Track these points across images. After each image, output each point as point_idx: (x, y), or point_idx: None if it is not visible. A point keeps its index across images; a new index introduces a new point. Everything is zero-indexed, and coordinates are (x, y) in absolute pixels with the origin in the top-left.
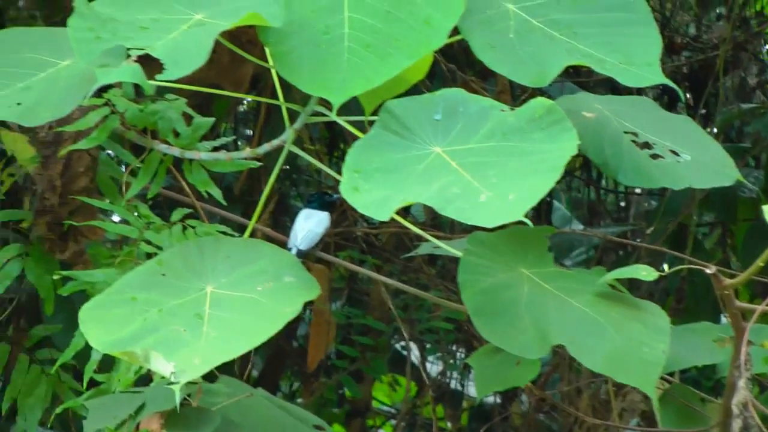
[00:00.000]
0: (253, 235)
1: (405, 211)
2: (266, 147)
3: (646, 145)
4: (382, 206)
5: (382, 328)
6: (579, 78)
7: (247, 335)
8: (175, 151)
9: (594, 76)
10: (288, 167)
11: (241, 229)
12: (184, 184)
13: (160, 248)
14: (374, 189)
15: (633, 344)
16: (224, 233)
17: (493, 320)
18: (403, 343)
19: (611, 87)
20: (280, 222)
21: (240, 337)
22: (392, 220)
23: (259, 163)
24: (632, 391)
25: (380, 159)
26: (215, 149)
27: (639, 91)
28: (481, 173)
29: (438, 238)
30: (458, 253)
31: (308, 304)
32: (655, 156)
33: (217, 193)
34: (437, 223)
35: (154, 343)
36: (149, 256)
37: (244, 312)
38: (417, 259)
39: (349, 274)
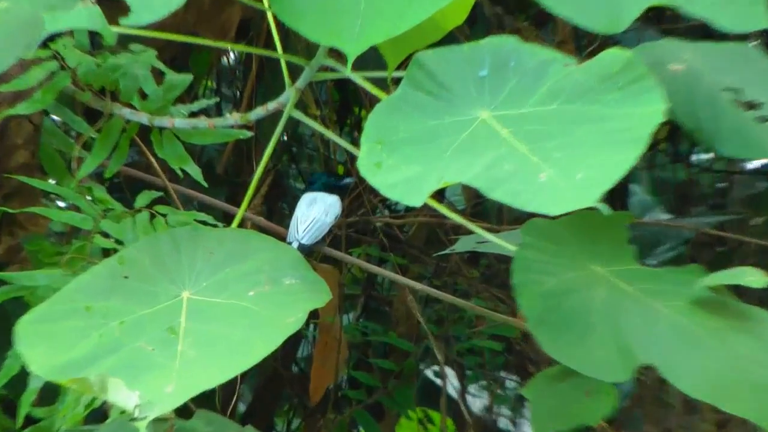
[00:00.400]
0: (242, 226)
1: (439, 195)
2: (259, 112)
3: (751, 106)
4: (412, 188)
5: (408, 347)
6: (661, 24)
7: (233, 355)
8: (142, 118)
9: (681, 21)
10: (287, 138)
11: (226, 218)
12: (152, 160)
13: (121, 243)
14: (402, 165)
15: (743, 363)
16: (204, 223)
17: (560, 332)
18: (436, 367)
19: (703, 35)
20: (276, 210)
21: (225, 357)
22: (423, 206)
23: (249, 133)
24: (741, 424)
25: (409, 126)
26: (193, 115)
27: (739, 39)
28: (540, 145)
29: (483, 229)
30: (510, 248)
31: (312, 317)
32: (763, 119)
33: (195, 172)
34: (480, 211)
35: (113, 367)
36: (107, 253)
37: (230, 324)
38: (454, 257)
39: (366, 276)
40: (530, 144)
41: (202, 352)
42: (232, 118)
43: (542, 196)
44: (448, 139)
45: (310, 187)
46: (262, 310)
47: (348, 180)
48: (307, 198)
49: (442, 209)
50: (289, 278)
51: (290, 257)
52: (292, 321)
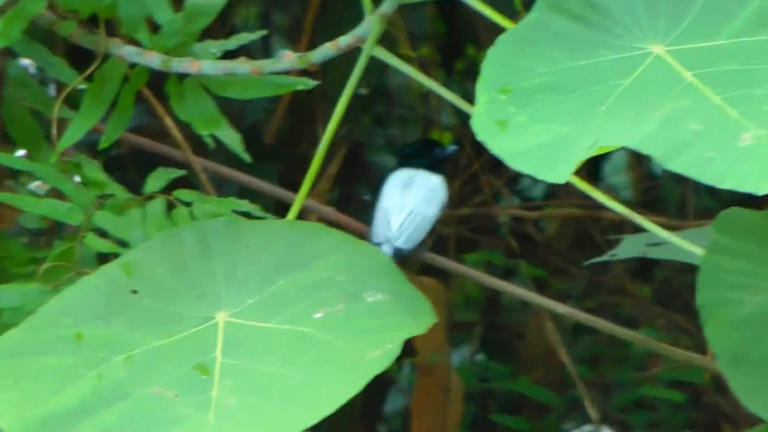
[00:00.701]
0: (302, 218)
1: (591, 175)
2: (326, 51)
3: None
4: (553, 156)
5: (547, 399)
6: None
7: (291, 406)
8: (153, 60)
9: None
10: (367, 91)
11: (279, 208)
12: (169, 123)
13: (125, 244)
14: (537, 123)
15: None
16: (247, 215)
17: (765, 376)
18: (588, 427)
19: None
20: (353, 196)
21: (278, 410)
22: (569, 192)
23: (312, 83)
24: None
25: (548, 67)
26: (228, 55)
27: None
28: (741, 93)
29: (657, 225)
30: (697, 253)
31: (406, 354)
32: None
33: (232, 140)
34: (654, 200)
35: (117, 422)
36: (104, 259)
37: (287, 361)
38: (616, 268)
39: (486, 295)
40: (727, 92)
41: (246, 400)
42: (287, 60)
43: (744, 166)
44: (605, 86)
45: (403, 162)
46: (335, 341)
47: (452, 148)
48: (398, 179)
49: (598, 195)
50: (374, 293)
51: (376, 263)
52: (378, 356)
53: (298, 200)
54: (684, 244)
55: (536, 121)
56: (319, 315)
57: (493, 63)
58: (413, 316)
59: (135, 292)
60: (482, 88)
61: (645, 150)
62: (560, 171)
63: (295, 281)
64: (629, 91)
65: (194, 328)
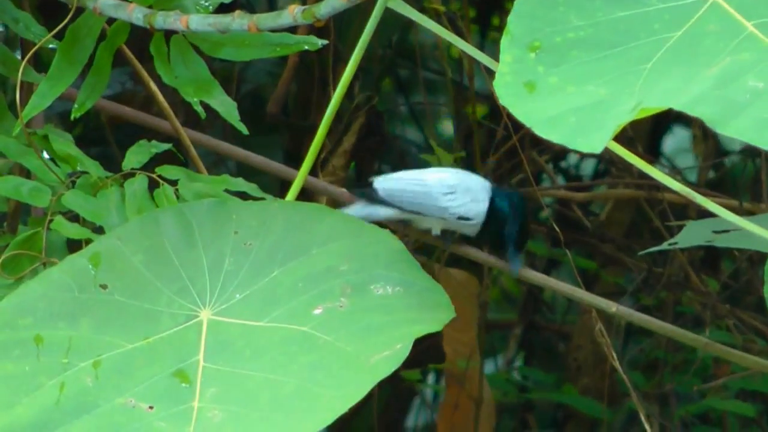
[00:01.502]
0: (307, 198)
1: (649, 149)
2: (335, 2)
3: None
4: (588, 121)
5: (598, 412)
6: None
7: (284, 418)
8: (134, 14)
9: None
10: (388, 51)
11: (284, 189)
12: (154, 88)
13: (101, 230)
14: (571, 84)
15: None
16: (244, 196)
17: None
18: None
19: None
20: (371, 174)
21: (270, 421)
22: (625, 170)
23: (320, 42)
24: None
25: (585, 19)
26: (223, 9)
27: None
28: None
29: (728, 208)
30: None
31: (431, 358)
32: None
33: (227, 109)
34: (722, 180)
35: None
36: (76, 247)
37: (281, 365)
38: (677, 258)
39: (526, 291)
40: None
41: (231, 412)
42: (289, 14)
43: None
44: (651, 40)
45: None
46: (336, 341)
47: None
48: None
49: (656, 173)
50: (383, 285)
51: (385, 250)
52: (385, 357)
53: (299, 178)
54: (757, 230)
55: (570, 82)
56: (318, 311)
57: (521, 15)
58: (427, 310)
59: (104, 287)
60: (507, 44)
61: (694, 112)
62: (596, 138)
63: (291, 272)
64: (680, 45)
65: (174, 329)
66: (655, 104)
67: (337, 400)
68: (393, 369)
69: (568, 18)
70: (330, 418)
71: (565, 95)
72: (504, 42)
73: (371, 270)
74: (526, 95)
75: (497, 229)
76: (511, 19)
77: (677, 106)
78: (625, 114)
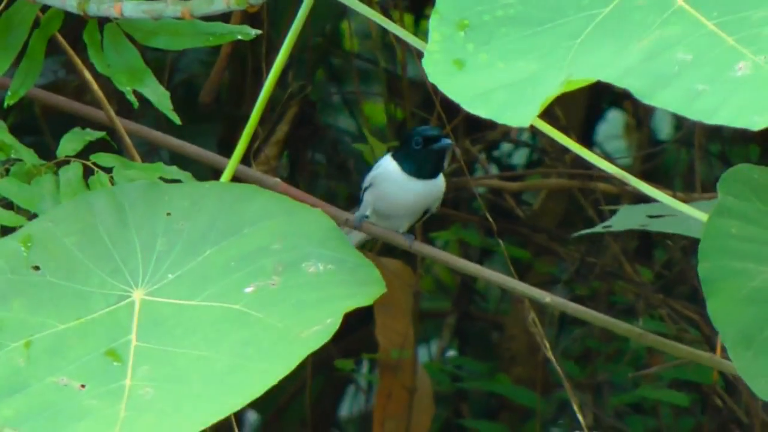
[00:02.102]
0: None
1: (583, 138)
2: None
3: None
4: (517, 96)
5: (531, 401)
6: None
7: (215, 394)
8: (68, 1)
9: None
10: (321, 39)
11: (217, 178)
12: (88, 77)
13: (35, 218)
14: (501, 61)
15: None
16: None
17: None
18: None
19: None
20: (304, 163)
21: (200, 398)
22: (559, 157)
23: (253, 31)
24: None
25: None
26: None
27: None
28: (739, 17)
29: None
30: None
31: (366, 348)
32: None
33: (158, 97)
34: (656, 169)
35: (15, 416)
36: (9, 232)
37: (212, 343)
38: (611, 246)
39: (460, 281)
40: (722, 16)
41: (163, 389)
42: (222, 0)
43: (739, 98)
44: (581, 15)
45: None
46: (267, 317)
47: (445, 142)
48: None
49: (594, 158)
50: (315, 263)
51: (317, 228)
52: (316, 332)
53: (232, 163)
54: (691, 213)
55: (499, 59)
56: (250, 289)
57: None
58: (359, 286)
59: (37, 268)
60: (436, 23)
61: (621, 84)
62: (524, 112)
63: (223, 251)
64: (609, 20)
65: (106, 309)
66: (583, 76)
67: (267, 374)
68: (323, 342)
69: None
70: (259, 390)
71: (495, 72)
72: (433, 21)
73: (303, 248)
74: (455, 72)
75: None
76: None
77: (605, 78)
78: (553, 88)
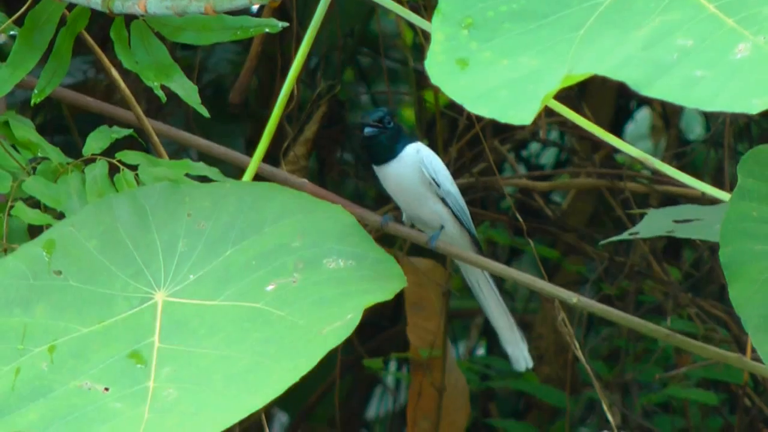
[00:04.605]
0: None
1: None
2: None
3: None
4: (519, 93)
5: (560, 401)
6: None
7: (237, 393)
8: None
9: None
10: (351, 38)
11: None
12: (116, 76)
13: (62, 216)
14: (504, 58)
15: None
16: (203, 180)
17: None
18: None
19: None
20: (332, 162)
21: (223, 397)
22: (587, 157)
23: (280, 24)
24: None
25: None
26: None
27: None
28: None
29: (690, 198)
30: None
31: (397, 346)
32: None
33: (188, 93)
34: (685, 168)
35: (39, 420)
36: (36, 232)
37: (234, 342)
38: (639, 247)
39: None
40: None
41: (186, 390)
42: None
43: (737, 82)
44: (584, 6)
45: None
46: (288, 315)
47: (366, 131)
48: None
49: (624, 146)
50: (335, 259)
51: (337, 225)
52: (336, 328)
53: (254, 162)
54: (720, 195)
55: (503, 56)
56: (271, 287)
57: None
58: (379, 281)
59: (59, 273)
60: (439, 23)
61: (618, 76)
62: (527, 109)
63: (244, 251)
64: (611, 9)
65: (129, 311)
66: (582, 71)
67: (288, 372)
68: (344, 338)
69: None
70: (281, 389)
71: (499, 69)
72: (435, 21)
73: (323, 245)
74: (458, 72)
75: None
76: None
77: (602, 72)
78: (555, 81)
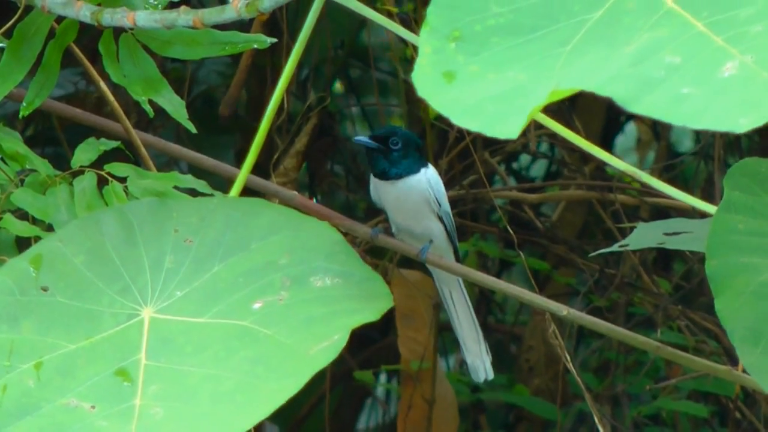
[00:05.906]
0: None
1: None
2: None
3: None
4: (506, 107)
5: (550, 413)
6: None
7: (228, 411)
8: (82, 12)
9: None
10: (337, 51)
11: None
12: (105, 89)
13: (51, 228)
14: (491, 72)
15: None
16: (193, 193)
17: None
18: None
19: None
20: (323, 174)
21: (210, 417)
22: (577, 169)
23: (269, 40)
24: None
25: (505, 5)
26: (173, 4)
27: None
28: (727, 16)
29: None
30: None
31: (388, 358)
32: None
33: (174, 106)
34: (675, 180)
35: None
36: (25, 245)
37: (221, 360)
38: (629, 259)
39: (478, 292)
40: (712, 15)
41: (173, 408)
42: (234, 8)
43: (724, 100)
44: (572, 21)
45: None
46: (276, 334)
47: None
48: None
49: (614, 161)
50: (322, 277)
51: (325, 242)
52: (324, 348)
53: (242, 173)
54: (707, 209)
55: (490, 70)
56: (258, 305)
57: (440, 5)
58: (366, 300)
59: (46, 288)
60: (426, 35)
61: (605, 92)
62: (513, 123)
63: (231, 268)
64: (599, 25)
65: (115, 328)
66: (569, 86)
67: (276, 393)
68: (331, 359)
69: (488, 5)
70: (269, 410)
71: (486, 83)
72: (423, 34)
73: (311, 262)
74: (444, 85)
75: None
76: (431, 9)
77: (590, 87)
78: (541, 96)
